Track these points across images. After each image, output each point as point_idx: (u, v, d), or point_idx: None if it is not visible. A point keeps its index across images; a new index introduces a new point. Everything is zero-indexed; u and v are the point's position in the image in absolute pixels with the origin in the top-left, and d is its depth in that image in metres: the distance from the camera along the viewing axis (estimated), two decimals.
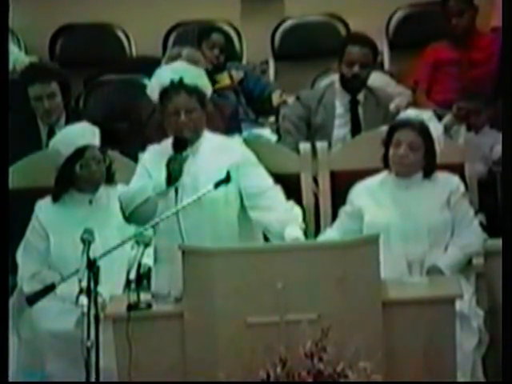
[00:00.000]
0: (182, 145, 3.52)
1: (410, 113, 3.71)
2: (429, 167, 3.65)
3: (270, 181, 3.59)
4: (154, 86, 3.61)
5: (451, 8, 4.95)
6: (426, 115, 3.70)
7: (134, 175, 3.61)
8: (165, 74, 3.60)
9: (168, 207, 3.45)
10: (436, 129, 3.66)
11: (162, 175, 3.47)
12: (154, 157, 3.59)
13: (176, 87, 3.55)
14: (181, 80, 3.55)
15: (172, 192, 3.46)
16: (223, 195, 3.51)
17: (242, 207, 3.56)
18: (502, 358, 3.10)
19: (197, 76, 3.61)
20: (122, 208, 3.53)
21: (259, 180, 3.56)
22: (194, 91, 3.56)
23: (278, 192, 3.56)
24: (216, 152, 3.57)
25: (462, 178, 3.85)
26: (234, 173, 3.49)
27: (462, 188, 3.70)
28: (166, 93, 3.56)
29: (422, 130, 3.61)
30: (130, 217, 3.50)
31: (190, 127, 3.55)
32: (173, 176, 3.46)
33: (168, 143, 3.59)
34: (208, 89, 3.64)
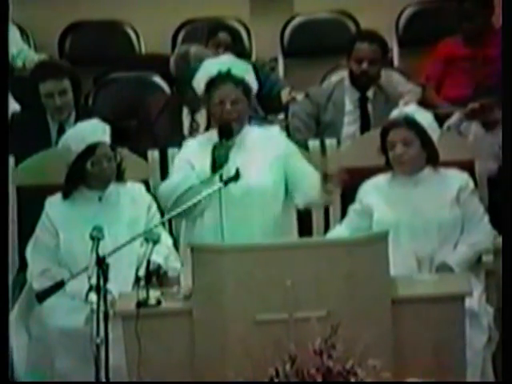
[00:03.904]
0: (227, 132, 3.55)
1: (394, 113, 3.72)
2: (431, 157, 3.65)
3: (309, 167, 3.66)
4: (200, 76, 3.66)
5: (465, 11, 4.92)
6: (409, 109, 3.71)
7: (130, 170, 3.61)
8: (212, 66, 3.65)
9: (213, 199, 3.44)
10: (424, 117, 3.67)
11: (206, 166, 3.49)
12: (197, 148, 3.61)
13: (223, 77, 3.60)
14: (228, 71, 3.58)
15: (216, 180, 3.46)
16: (272, 187, 3.55)
17: (285, 199, 3.59)
18: (502, 358, 3.09)
19: (244, 70, 3.67)
20: (161, 202, 3.52)
21: (303, 167, 3.62)
22: (241, 83, 3.61)
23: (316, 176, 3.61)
24: (261, 143, 3.61)
25: (472, 175, 3.84)
26: (281, 164, 3.53)
27: (471, 184, 3.69)
28: (212, 82, 3.62)
29: (410, 123, 3.62)
30: (171, 208, 3.49)
31: (234, 117, 3.59)
32: (218, 163, 3.49)
33: (210, 134, 3.62)
34: (254, 84, 3.67)
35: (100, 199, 3.79)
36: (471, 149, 4.08)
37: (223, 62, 3.68)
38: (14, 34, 5.22)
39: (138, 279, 3.29)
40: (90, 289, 3.14)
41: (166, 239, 3.74)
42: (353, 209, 3.73)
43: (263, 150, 3.59)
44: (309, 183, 3.58)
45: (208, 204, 3.53)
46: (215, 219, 3.52)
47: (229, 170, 3.51)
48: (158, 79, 5.00)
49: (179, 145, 4.10)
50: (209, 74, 3.62)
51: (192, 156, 3.61)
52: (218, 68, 3.62)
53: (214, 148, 3.52)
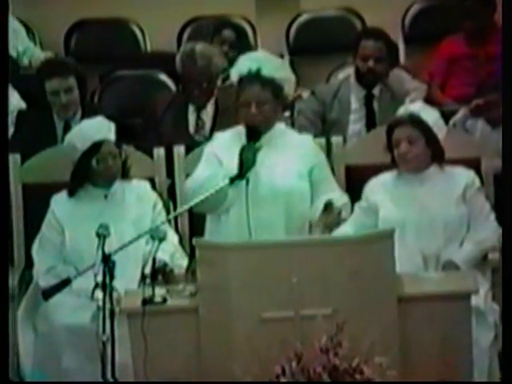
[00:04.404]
0: (255, 135, 3.53)
1: (400, 111, 3.72)
2: (437, 154, 3.64)
3: (335, 185, 3.68)
4: (233, 73, 3.64)
5: (467, 9, 4.91)
6: (415, 107, 3.70)
7: (136, 168, 3.61)
8: (244, 63, 3.63)
9: (239, 197, 3.44)
10: (429, 115, 3.66)
11: (233, 164, 3.48)
12: (225, 144, 3.60)
13: (251, 78, 3.57)
14: (258, 71, 3.56)
15: (243, 182, 3.47)
16: (298, 189, 3.54)
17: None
18: (503, 358, 3.08)
19: (276, 68, 3.63)
20: (187, 196, 3.53)
21: (328, 183, 3.64)
22: (269, 83, 3.57)
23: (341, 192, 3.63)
24: (290, 146, 3.60)
25: (478, 172, 3.83)
26: (308, 170, 3.53)
27: (477, 182, 3.68)
28: (241, 82, 3.59)
29: (415, 121, 3.61)
30: (197, 205, 3.48)
31: (259, 119, 3.56)
32: (245, 165, 3.48)
33: (238, 131, 3.61)
34: (287, 81, 3.63)
35: (105, 197, 3.79)
36: (477, 146, 4.07)
37: (255, 59, 3.63)
38: (20, 32, 5.23)
39: (143, 277, 3.29)
40: (96, 286, 3.14)
41: (172, 237, 3.74)
42: (359, 206, 3.72)
43: (292, 153, 3.57)
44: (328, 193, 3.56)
45: (233, 202, 3.52)
46: (240, 218, 3.52)
47: (258, 174, 3.50)
48: (163, 77, 5.00)
49: (184, 142, 4.11)
50: (240, 72, 3.59)
51: (220, 151, 3.59)
52: (249, 66, 3.58)
53: (243, 150, 3.49)
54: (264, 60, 3.63)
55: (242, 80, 3.59)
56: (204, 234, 3.71)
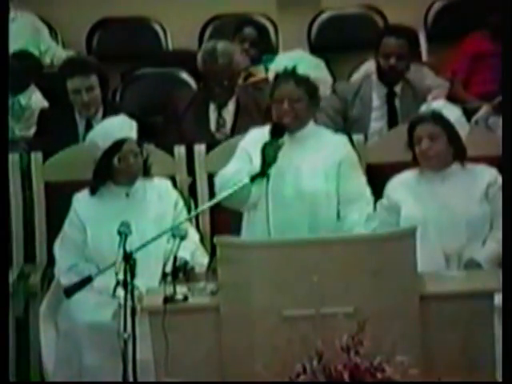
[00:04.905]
0: (279, 131, 3.53)
1: (422, 108, 3.70)
2: (459, 152, 3.62)
3: (364, 189, 3.59)
4: (272, 70, 3.67)
5: (491, 2, 4.87)
6: (438, 104, 3.68)
7: (157, 166, 3.60)
8: (281, 61, 3.69)
9: (263, 195, 3.45)
10: (452, 112, 3.63)
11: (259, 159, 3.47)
12: (257, 140, 3.59)
13: (286, 75, 3.58)
14: (294, 68, 3.56)
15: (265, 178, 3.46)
16: (324, 189, 3.53)
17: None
18: (503, 358, 3.05)
19: (312, 66, 3.69)
20: (215, 189, 3.54)
21: (354, 186, 3.56)
22: (304, 81, 3.58)
23: (366, 206, 3.54)
24: (321, 146, 3.59)
25: (501, 170, 3.80)
26: (336, 170, 3.50)
27: (500, 180, 3.65)
28: (277, 79, 3.60)
29: (436, 118, 3.59)
30: (224, 200, 3.49)
31: (291, 115, 3.56)
32: (267, 162, 3.46)
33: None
34: (323, 81, 3.69)
35: (127, 195, 3.79)
36: (500, 144, 4.03)
37: (292, 57, 3.68)
38: (42, 31, 5.25)
39: (164, 275, 3.29)
40: (118, 284, 3.15)
41: (193, 235, 3.74)
42: (380, 204, 3.70)
43: (323, 153, 3.56)
44: (353, 208, 3.53)
45: (257, 200, 3.52)
46: (263, 216, 3.52)
47: (284, 172, 3.48)
48: (185, 75, 5.00)
49: (205, 141, 4.10)
50: (277, 69, 3.61)
51: (251, 147, 3.59)
52: (285, 64, 3.59)
53: (265, 146, 3.49)
54: (301, 58, 3.66)
55: (277, 77, 3.59)
56: (225, 232, 3.71)
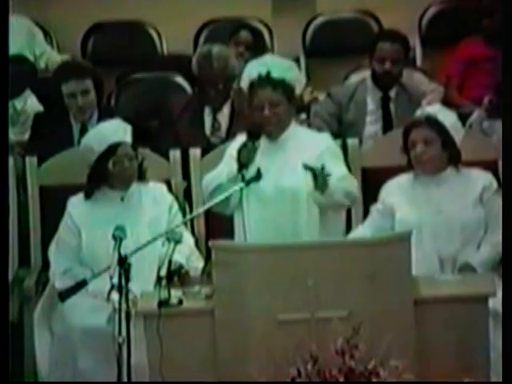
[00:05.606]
0: (254, 134, 3.55)
1: (417, 113, 3.71)
2: (453, 157, 3.62)
3: (346, 172, 3.60)
4: (244, 79, 3.66)
5: (484, 7, 4.88)
6: (433, 109, 3.69)
7: (152, 170, 3.62)
8: (253, 68, 3.67)
9: (245, 197, 3.47)
10: (447, 117, 3.64)
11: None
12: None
13: (262, 81, 3.59)
14: (268, 74, 3.58)
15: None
16: (305, 188, 3.52)
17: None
18: (502, 358, 3.06)
19: (285, 69, 3.66)
20: (204, 195, 3.58)
21: (335, 173, 3.54)
22: (280, 85, 3.59)
23: (350, 180, 3.55)
24: (302, 146, 3.60)
25: (496, 175, 3.81)
26: (315, 162, 3.50)
27: (495, 184, 3.66)
28: (252, 86, 3.62)
29: (431, 122, 3.60)
30: (207, 201, 3.53)
31: (273, 121, 3.58)
32: (242, 163, 3.48)
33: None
34: (298, 81, 3.68)
35: (122, 199, 3.79)
36: (495, 148, 4.05)
37: (264, 63, 3.67)
38: (37, 36, 5.25)
39: (159, 279, 3.29)
40: (112, 288, 3.15)
41: (188, 239, 3.74)
42: (375, 208, 3.71)
43: (303, 151, 3.58)
44: (337, 186, 3.53)
45: (238, 203, 3.53)
46: (244, 218, 3.53)
47: (266, 171, 3.50)
48: (180, 79, 5.00)
49: (200, 145, 4.11)
50: (249, 77, 3.63)
51: (235, 151, 3.62)
52: (258, 70, 3.61)
53: (241, 148, 3.51)
54: (272, 63, 3.65)
55: (252, 84, 3.60)
56: (220, 236, 3.71)
